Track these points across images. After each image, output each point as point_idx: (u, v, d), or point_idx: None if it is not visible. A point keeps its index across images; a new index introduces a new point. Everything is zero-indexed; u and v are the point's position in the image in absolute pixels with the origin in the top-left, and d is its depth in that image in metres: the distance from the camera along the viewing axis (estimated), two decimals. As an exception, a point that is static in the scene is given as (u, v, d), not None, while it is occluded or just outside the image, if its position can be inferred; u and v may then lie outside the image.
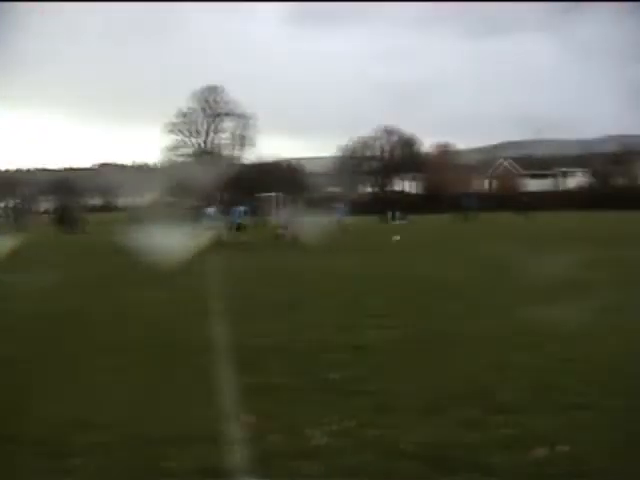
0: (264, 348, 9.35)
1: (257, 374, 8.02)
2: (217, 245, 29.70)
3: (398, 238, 32.28)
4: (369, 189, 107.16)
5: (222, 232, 33.45)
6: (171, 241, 21.71)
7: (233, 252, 27.58)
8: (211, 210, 39.10)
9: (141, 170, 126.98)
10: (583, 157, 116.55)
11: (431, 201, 78.37)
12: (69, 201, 77.74)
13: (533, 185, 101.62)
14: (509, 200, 67.42)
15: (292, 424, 6.16)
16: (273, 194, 58.01)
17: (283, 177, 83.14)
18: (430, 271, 18.18)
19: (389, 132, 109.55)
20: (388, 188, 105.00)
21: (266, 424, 6.17)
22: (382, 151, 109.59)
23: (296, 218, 35.18)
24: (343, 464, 5.31)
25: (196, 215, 40.25)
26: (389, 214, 54.46)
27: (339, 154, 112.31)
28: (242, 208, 36.93)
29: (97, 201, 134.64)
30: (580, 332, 9.97)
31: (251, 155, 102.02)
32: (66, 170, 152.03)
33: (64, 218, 52.57)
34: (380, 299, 13.48)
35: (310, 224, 32.21)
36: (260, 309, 12.72)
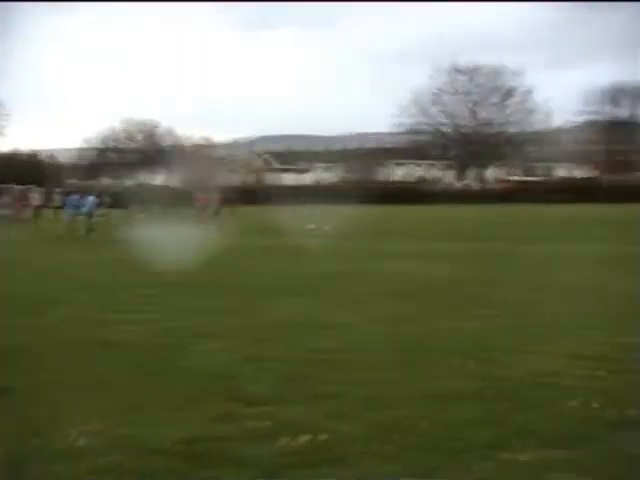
0: (13, 347, 8.90)
1: (3, 375, 7.62)
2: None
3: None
4: (126, 181, 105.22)
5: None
6: None
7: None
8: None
9: None
10: (336, 153, 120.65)
11: (188, 195, 77.67)
12: None
13: (289, 179, 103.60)
14: (266, 193, 68.43)
15: (43, 425, 5.90)
16: (29, 187, 55.36)
17: (34, 168, 79.98)
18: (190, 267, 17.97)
19: (140, 123, 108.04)
20: (142, 181, 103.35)
21: (14, 427, 5.88)
22: (136, 142, 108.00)
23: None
24: (100, 464, 5.11)
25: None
26: (135, 207, 52.43)
27: (87, 145, 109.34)
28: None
29: None
30: (337, 323, 10.28)
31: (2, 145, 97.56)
32: None
33: None
34: (137, 293, 13.14)
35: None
36: (15, 305, 12.10)
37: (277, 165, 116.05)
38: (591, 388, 6.82)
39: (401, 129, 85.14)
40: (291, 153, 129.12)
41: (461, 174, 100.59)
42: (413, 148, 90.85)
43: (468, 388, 6.85)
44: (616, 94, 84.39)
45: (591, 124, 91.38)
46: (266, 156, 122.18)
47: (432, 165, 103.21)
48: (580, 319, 10.45)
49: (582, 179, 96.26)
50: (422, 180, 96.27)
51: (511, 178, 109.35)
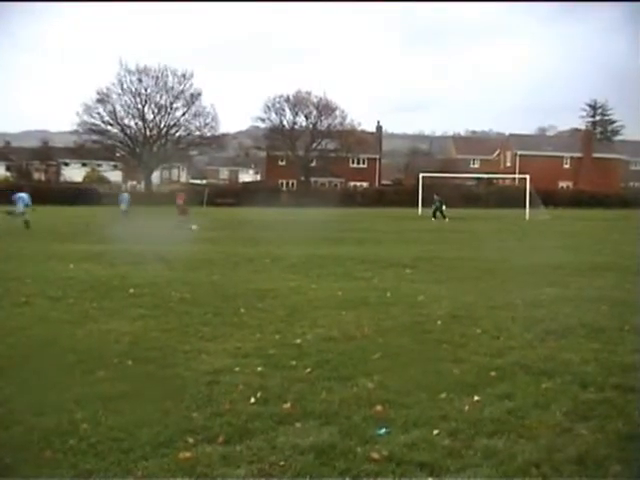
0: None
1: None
2: None
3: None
4: None
5: None
6: None
7: None
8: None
9: None
10: (3, 150, 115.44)
11: None
12: None
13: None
14: None
15: None
16: None
17: None
18: None
19: None
20: None
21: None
22: None
23: None
24: None
25: None
26: None
27: None
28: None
29: None
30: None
31: None
32: None
33: None
34: None
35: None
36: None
37: None
38: (251, 385, 7.10)
39: (82, 128, 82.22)
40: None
41: (129, 176, 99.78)
42: (94, 148, 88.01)
43: (129, 389, 6.88)
44: (281, 103, 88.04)
45: (257, 130, 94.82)
46: None
47: (99, 166, 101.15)
48: (239, 316, 10.84)
49: (246, 183, 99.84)
50: (94, 181, 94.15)
51: (178, 180, 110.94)
